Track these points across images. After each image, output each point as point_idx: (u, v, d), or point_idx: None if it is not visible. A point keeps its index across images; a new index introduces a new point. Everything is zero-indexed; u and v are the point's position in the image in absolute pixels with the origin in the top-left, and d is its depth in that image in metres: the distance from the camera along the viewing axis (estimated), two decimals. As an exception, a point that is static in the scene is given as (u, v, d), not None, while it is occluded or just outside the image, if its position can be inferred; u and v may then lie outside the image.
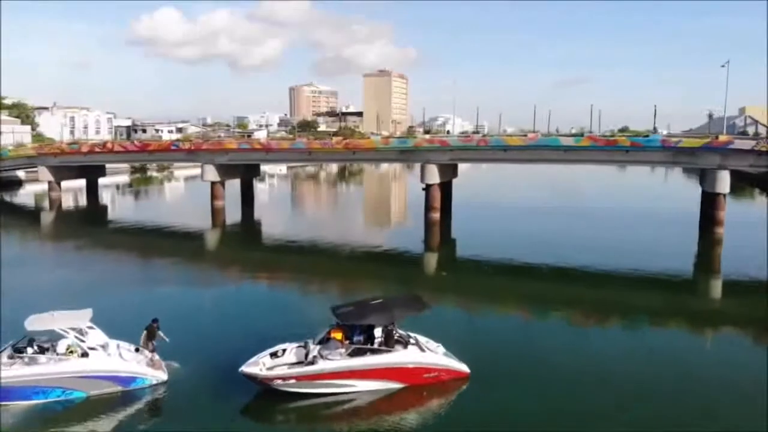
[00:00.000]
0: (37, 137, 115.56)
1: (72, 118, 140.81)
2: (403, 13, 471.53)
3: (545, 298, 29.59)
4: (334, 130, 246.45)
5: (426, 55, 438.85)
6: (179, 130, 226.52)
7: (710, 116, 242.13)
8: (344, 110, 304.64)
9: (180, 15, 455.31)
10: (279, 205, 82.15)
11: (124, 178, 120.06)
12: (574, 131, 53.66)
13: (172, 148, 61.79)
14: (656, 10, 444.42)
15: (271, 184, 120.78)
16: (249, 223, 60.48)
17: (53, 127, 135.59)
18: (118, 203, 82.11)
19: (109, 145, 65.28)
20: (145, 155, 64.31)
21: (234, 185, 66.88)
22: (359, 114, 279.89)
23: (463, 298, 29.93)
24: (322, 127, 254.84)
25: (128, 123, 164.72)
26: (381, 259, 41.61)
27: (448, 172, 55.13)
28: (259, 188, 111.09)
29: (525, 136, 48.90)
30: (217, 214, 61.52)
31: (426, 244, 48.83)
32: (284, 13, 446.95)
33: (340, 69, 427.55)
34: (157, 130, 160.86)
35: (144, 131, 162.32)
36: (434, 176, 51.92)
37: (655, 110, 72.65)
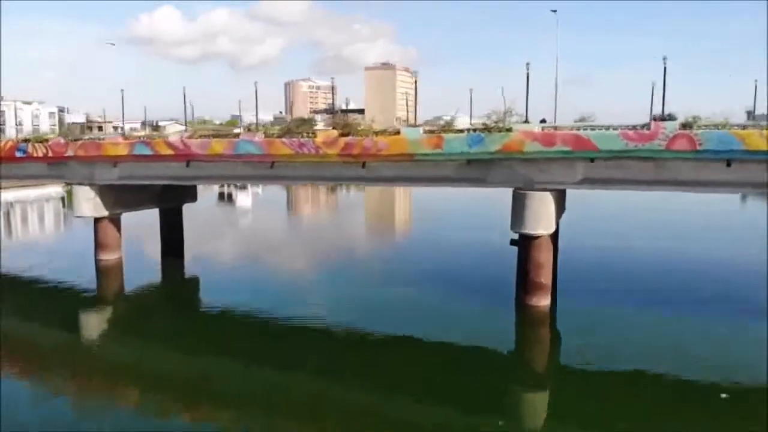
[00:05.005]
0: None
1: (1, 113, 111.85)
2: (403, 13, 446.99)
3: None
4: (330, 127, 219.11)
5: (427, 54, 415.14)
6: (156, 128, 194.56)
7: (748, 114, 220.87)
8: (344, 107, 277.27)
9: (180, 14, 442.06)
10: (247, 238, 52.90)
11: (57, 190, 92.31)
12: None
13: (17, 155, 32.59)
14: (661, 10, 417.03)
15: (255, 194, 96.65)
16: (174, 287, 33.78)
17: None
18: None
19: None
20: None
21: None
22: (360, 111, 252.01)
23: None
24: (320, 125, 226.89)
25: (82, 119, 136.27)
26: (413, 377, 19.36)
27: (561, 206, 26.11)
28: (239, 204, 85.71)
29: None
30: (106, 277, 33.89)
31: (524, 362, 22.32)
32: (284, 12, 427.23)
33: (341, 68, 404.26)
34: (116, 128, 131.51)
35: (100, 128, 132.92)
36: (546, 218, 22.91)
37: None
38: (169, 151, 28.20)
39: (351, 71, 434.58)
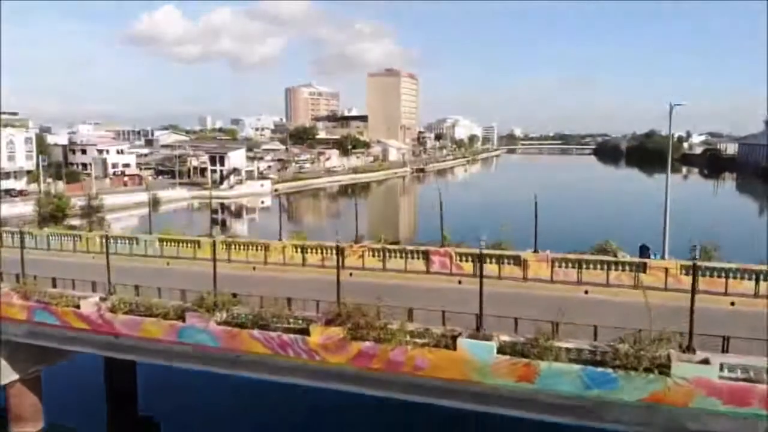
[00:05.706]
0: None
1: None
2: (404, 13, 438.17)
3: None
4: (336, 137, 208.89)
5: (429, 55, 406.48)
6: (150, 141, 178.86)
7: (767, 123, 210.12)
8: (346, 114, 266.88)
9: (180, 13, 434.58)
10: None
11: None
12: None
13: None
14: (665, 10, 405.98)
15: (252, 220, 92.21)
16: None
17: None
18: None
19: None
20: None
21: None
22: (363, 118, 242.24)
23: None
24: (321, 134, 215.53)
25: (64, 140, 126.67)
26: None
27: None
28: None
29: None
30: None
31: None
32: (285, 11, 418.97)
33: (343, 67, 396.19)
34: (100, 151, 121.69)
35: (84, 152, 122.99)
36: None
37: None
38: (83, 325, 18.45)
39: (353, 70, 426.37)
